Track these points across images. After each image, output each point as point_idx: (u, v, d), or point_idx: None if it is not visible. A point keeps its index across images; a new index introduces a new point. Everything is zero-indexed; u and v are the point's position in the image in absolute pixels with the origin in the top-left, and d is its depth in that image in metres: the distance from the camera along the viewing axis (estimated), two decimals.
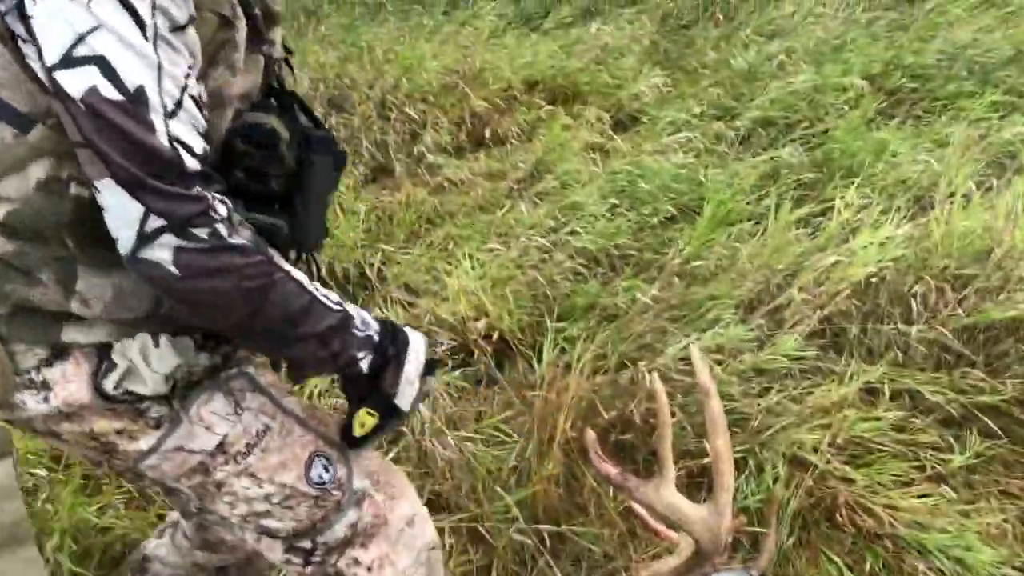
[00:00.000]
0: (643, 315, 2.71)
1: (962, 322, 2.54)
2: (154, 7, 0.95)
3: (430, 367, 1.30)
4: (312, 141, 1.20)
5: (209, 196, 1.00)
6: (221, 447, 1.23)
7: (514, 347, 2.74)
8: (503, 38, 5.67)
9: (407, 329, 1.29)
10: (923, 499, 2.14)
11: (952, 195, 3.03)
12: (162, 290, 1.02)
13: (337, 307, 1.15)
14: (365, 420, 1.25)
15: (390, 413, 1.26)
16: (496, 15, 6.01)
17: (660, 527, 1.89)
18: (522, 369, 2.66)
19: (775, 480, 2.15)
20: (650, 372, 2.21)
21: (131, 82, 0.94)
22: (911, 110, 4.20)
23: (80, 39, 0.93)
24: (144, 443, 1.19)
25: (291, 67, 1.31)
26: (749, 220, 3.18)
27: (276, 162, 1.15)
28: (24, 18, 0.95)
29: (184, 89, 0.99)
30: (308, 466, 1.30)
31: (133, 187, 0.95)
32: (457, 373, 2.64)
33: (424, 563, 1.40)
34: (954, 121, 3.86)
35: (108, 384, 1.14)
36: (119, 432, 1.18)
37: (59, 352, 1.12)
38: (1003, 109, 4.00)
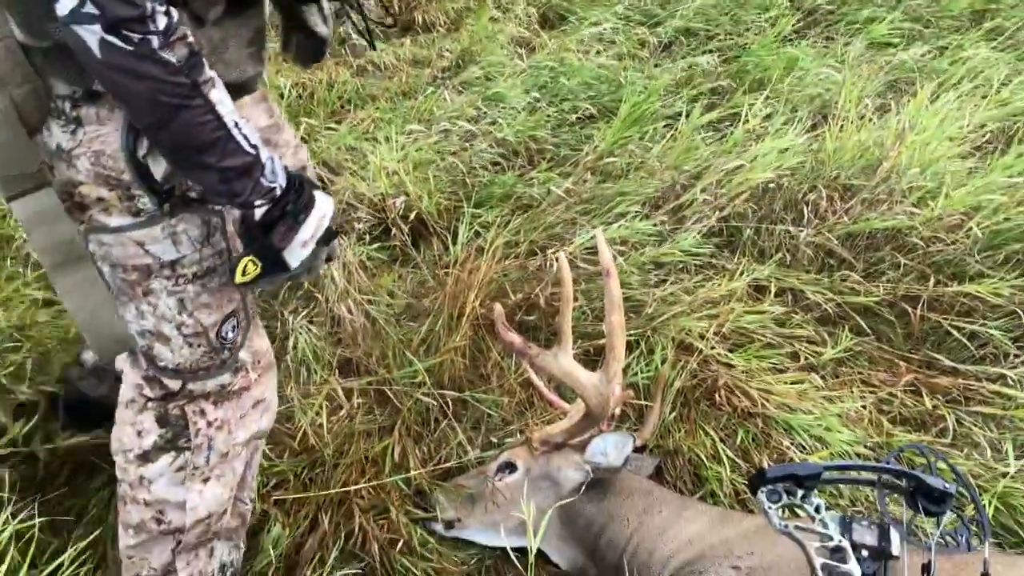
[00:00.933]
0: (555, 206, 2.83)
1: (847, 229, 2.74)
2: None
3: (329, 236, 1.33)
4: None
5: (150, 6, 1.02)
6: (174, 264, 1.29)
7: (431, 228, 2.83)
8: None
9: (318, 193, 1.31)
10: (794, 385, 2.35)
11: (853, 111, 3.20)
12: (84, 63, 1.06)
13: (250, 151, 1.18)
14: (247, 267, 1.26)
15: (276, 266, 1.27)
16: None
17: (554, 398, 2.06)
18: (437, 249, 2.76)
19: (663, 361, 2.33)
20: (556, 256, 2.34)
21: None
22: (825, 30, 4.34)
23: None
24: (114, 221, 1.24)
25: None
26: (662, 122, 3.30)
27: None
28: None
29: None
30: (223, 319, 1.38)
31: None
32: (374, 247, 2.73)
33: (252, 447, 1.52)
34: (863, 41, 4.02)
35: (141, 148, 1.19)
36: (99, 200, 1.22)
37: (93, 95, 1.15)
38: (909, 35, 4.18)
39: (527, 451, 1.92)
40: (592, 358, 2.33)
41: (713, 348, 2.38)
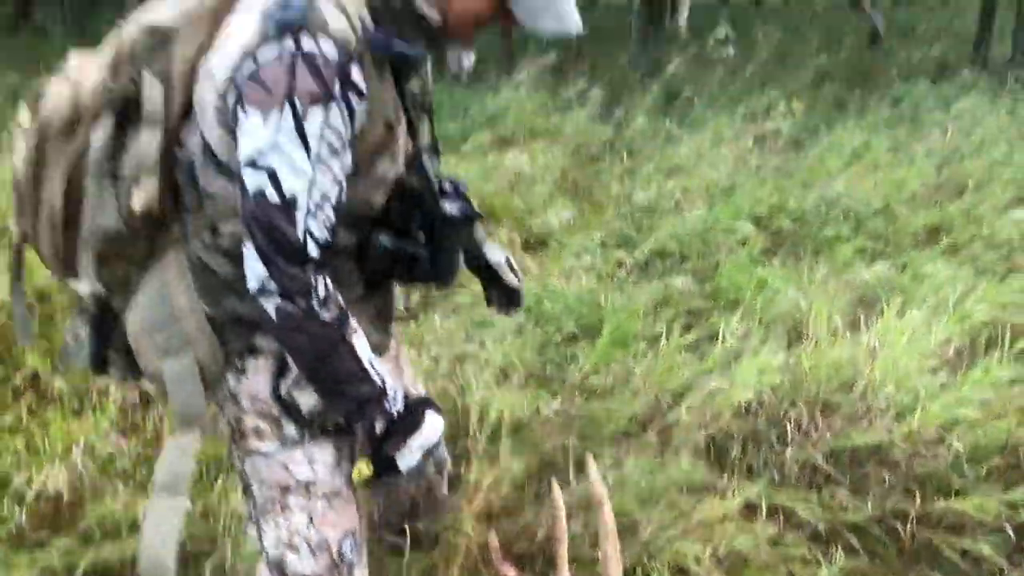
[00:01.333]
0: (544, 426, 2.89)
1: (830, 445, 2.81)
2: (321, 137, 1.31)
3: (430, 452, 1.54)
4: (448, 199, 1.61)
5: (313, 279, 1.35)
6: (307, 484, 1.56)
7: None
8: None
9: (430, 413, 1.55)
10: None
11: (824, 329, 3.37)
12: (261, 324, 1.41)
13: (379, 381, 1.46)
14: (362, 469, 1.51)
15: (389, 470, 1.50)
16: None
17: None
18: None
19: None
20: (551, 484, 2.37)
21: (288, 191, 1.31)
22: (792, 249, 4.63)
23: (262, 153, 1.30)
24: (266, 447, 1.54)
25: (438, 153, 1.71)
26: (644, 342, 3.43)
27: (416, 212, 1.55)
28: (235, 120, 1.33)
29: (325, 197, 1.34)
30: (343, 536, 1.61)
31: (265, 259, 1.33)
32: None
33: None
34: (829, 262, 4.27)
35: (283, 386, 1.51)
36: (256, 430, 1.54)
37: (252, 349, 1.51)
38: (872, 252, 4.46)
39: None
40: None
41: (710, 573, 2.37)
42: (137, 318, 1.49)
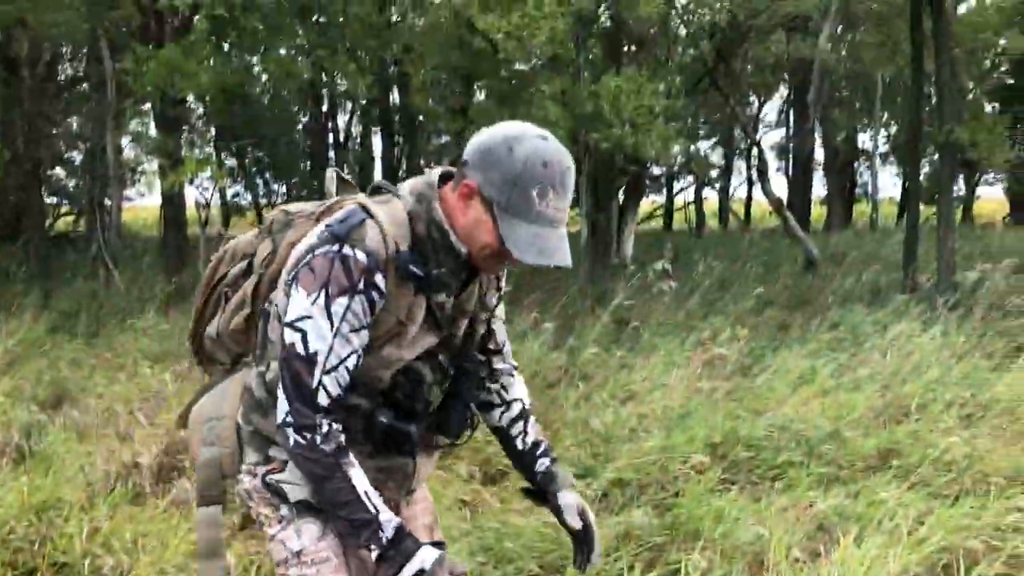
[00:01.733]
0: None
1: None
2: (343, 317, 1.76)
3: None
4: (460, 379, 1.97)
5: (320, 421, 1.76)
6: (299, 553, 1.88)
7: None
8: None
9: (426, 548, 1.78)
10: None
11: (784, 562, 3.36)
12: (282, 446, 1.83)
13: (372, 510, 1.77)
14: None
15: None
16: None
17: None
18: None
19: None
20: None
21: (312, 349, 1.76)
22: (748, 476, 4.68)
23: (300, 318, 1.77)
24: (271, 531, 1.92)
25: (496, 354, 2.15)
26: None
27: (419, 393, 1.91)
28: (290, 291, 1.81)
29: (341, 361, 1.77)
30: None
31: (288, 399, 1.78)
32: None
33: None
34: (785, 491, 4.32)
35: (272, 477, 1.91)
36: (262, 514, 1.94)
37: (267, 459, 1.92)
38: (826, 480, 4.52)
39: None
40: None
41: None
42: (202, 407, 2.07)
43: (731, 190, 30.84)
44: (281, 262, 1.92)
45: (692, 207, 29.34)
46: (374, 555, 1.76)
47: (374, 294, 1.78)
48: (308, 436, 1.75)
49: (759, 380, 6.28)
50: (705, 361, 6.84)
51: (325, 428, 1.76)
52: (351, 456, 1.79)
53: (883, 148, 28.07)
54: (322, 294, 1.76)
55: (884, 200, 28.63)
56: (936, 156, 15.12)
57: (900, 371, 6.39)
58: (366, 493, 1.77)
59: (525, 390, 2.19)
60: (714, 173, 29.54)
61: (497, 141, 1.78)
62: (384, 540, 1.76)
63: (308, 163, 26.67)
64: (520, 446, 2.15)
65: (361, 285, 1.76)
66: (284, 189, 27.50)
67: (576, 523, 2.08)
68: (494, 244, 1.79)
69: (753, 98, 27.82)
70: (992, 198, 34.04)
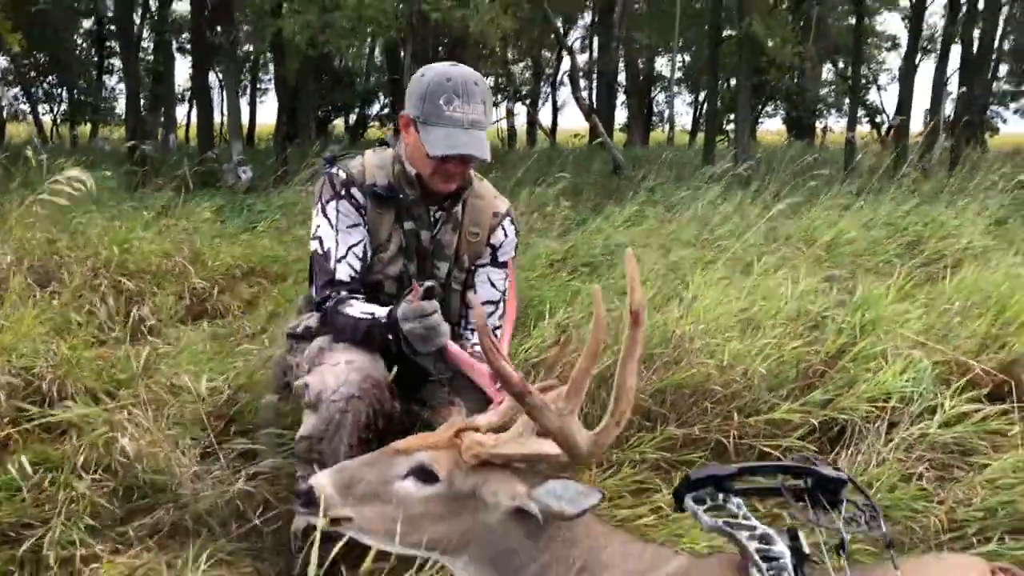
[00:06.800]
0: None
1: (656, 386, 3.12)
2: (338, 218, 2.43)
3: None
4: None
5: (336, 292, 2.39)
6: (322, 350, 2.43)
7: None
8: (221, 233, 5.98)
9: (401, 306, 2.22)
10: None
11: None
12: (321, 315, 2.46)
13: (368, 316, 2.29)
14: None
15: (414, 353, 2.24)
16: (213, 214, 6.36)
17: (493, 391, 2.05)
18: None
19: None
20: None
21: (326, 247, 2.44)
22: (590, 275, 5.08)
23: (314, 228, 2.47)
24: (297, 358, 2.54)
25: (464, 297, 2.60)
26: None
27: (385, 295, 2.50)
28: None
29: (349, 248, 2.42)
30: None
31: (318, 285, 2.46)
32: None
33: None
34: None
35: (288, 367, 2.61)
36: (297, 363, 2.52)
37: (308, 339, 2.52)
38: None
39: (452, 458, 1.64)
40: None
41: None
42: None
43: (538, 108, 31.45)
44: None
45: (504, 123, 29.69)
46: (391, 344, 2.23)
47: (357, 200, 2.42)
48: (329, 304, 2.37)
49: (591, 225, 6.67)
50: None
51: (331, 302, 2.36)
52: (353, 303, 2.34)
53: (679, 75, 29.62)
54: (320, 204, 2.45)
55: (678, 129, 30.32)
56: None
57: (710, 223, 6.99)
58: (363, 312, 2.30)
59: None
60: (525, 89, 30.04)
61: (415, 75, 2.33)
62: (383, 318, 2.25)
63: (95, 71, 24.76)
64: None
65: (343, 192, 2.43)
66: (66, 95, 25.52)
67: None
68: (422, 155, 2.30)
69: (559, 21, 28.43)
70: (770, 129, 36.91)
